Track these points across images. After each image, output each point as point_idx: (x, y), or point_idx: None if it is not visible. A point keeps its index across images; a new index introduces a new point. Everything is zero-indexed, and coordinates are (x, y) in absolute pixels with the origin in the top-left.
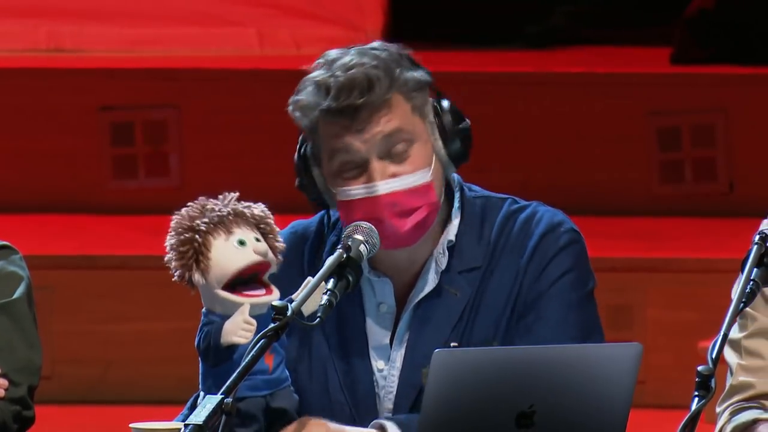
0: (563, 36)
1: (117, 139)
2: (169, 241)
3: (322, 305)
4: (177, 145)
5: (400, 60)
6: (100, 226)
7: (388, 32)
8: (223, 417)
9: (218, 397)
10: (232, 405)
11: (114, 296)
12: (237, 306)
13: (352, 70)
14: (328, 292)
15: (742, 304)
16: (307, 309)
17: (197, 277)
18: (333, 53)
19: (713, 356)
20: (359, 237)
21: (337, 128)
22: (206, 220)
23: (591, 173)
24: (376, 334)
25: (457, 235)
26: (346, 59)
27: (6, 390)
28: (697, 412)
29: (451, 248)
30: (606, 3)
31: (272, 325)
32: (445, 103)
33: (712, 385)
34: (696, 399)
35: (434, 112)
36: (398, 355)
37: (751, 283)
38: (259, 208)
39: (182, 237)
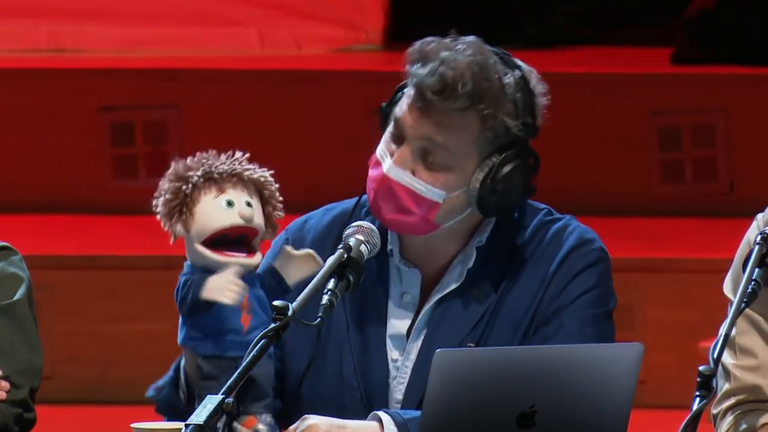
0: (563, 36)
1: (117, 139)
2: (161, 185)
3: (322, 305)
4: (177, 145)
5: (515, 97)
6: (101, 226)
7: (388, 32)
8: (224, 417)
9: (219, 397)
10: (232, 405)
11: (114, 296)
12: (214, 262)
13: (450, 71)
14: (329, 292)
15: (743, 304)
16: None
17: (178, 228)
18: (470, 41)
19: (714, 356)
20: (360, 237)
21: (412, 97)
22: (200, 173)
23: (591, 173)
24: (395, 323)
25: (488, 237)
26: (459, 57)
27: (7, 392)
28: (699, 412)
29: (480, 249)
30: (606, 3)
31: (273, 325)
32: (506, 169)
33: (714, 385)
34: (697, 399)
35: (499, 159)
36: (414, 348)
37: (753, 283)
38: (259, 173)
39: (173, 185)
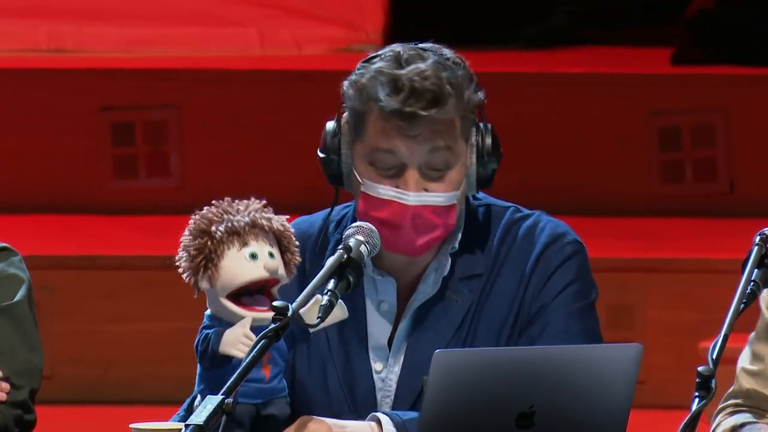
0: (563, 36)
1: (117, 139)
2: (184, 240)
3: (322, 306)
4: (177, 145)
5: (470, 79)
6: (101, 226)
7: (388, 32)
8: (223, 417)
9: (219, 397)
10: (232, 405)
11: (114, 296)
12: (238, 316)
13: (428, 81)
14: (329, 293)
15: (742, 305)
16: (306, 317)
17: (204, 283)
18: (405, 50)
19: (714, 357)
20: (360, 237)
21: (390, 127)
22: (222, 228)
23: (591, 173)
24: (375, 333)
25: (460, 242)
26: (423, 66)
27: (7, 394)
28: (698, 413)
29: (454, 254)
30: (606, 3)
31: (272, 325)
32: (489, 127)
33: (713, 385)
34: (696, 399)
35: (477, 134)
36: (397, 359)
37: (752, 284)
38: (279, 221)
39: (196, 241)
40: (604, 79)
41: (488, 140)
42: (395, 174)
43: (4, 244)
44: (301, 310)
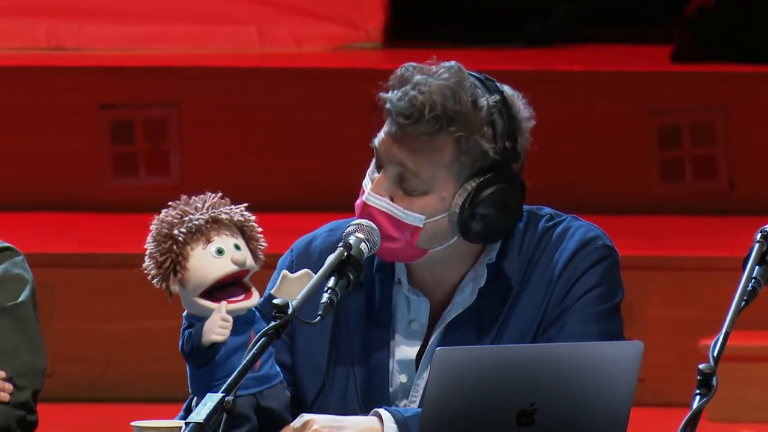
0: (563, 34)
1: (117, 137)
2: (148, 248)
3: (323, 303)
4: (177, 143)
5: (492, 120)
6: (100, 224)
7: (388, 31)
8: (224, 415)
9: (219, 395)
10: (233, 403)
11: (114, 294)
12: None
13: (420, 96)
14: (329, 291)
15: (743, 303)
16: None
17: (175, 286)
18: (449, 65)
19: (715, 354)
20: (360, 235)
21: (388, 124)
22: (184, 229)
23: (591, 172)
24: (403, 348)
25: (498, 254)
26: (432, 81)
27: (10, 394)
28: (699, 411)
29: (491, 265)
30: (606, 1)
31: (273, 323)
32: (485, 193)
33: (714, 383)
34: (697, 397)
35: (475, 183)
36: (425, 369)
37: (753, 281)
38: (239, 212)
39: (161, 246)
40: (603, 78)
41: (483, 194)
42: (378, 171)
43: (7, 245)
44: (298, 300)
